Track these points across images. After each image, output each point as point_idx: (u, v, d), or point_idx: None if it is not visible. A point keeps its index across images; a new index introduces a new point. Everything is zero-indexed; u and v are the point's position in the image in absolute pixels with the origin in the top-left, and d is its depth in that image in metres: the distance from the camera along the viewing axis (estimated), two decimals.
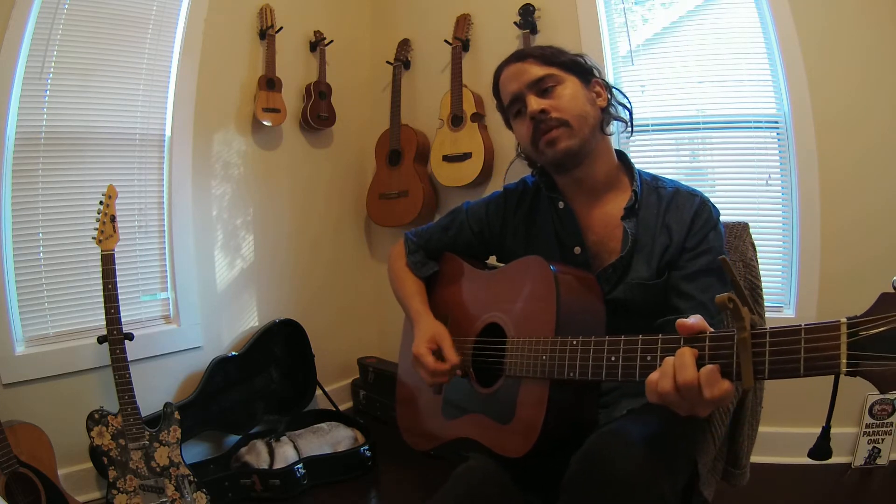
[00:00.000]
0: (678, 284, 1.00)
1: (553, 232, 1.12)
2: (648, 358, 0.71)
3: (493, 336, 1.05)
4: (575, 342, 0.83)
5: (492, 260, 1.28)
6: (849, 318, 0.55)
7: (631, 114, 1.12)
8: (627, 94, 1.14)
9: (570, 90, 1.04)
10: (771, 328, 0.60)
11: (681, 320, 0.68)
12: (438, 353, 1.09)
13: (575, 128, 1.02)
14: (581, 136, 1.02)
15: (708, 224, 1.02)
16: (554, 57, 1.05)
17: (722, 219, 1.07)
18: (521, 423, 0.92)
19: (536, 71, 1.04)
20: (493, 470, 0.97)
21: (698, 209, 1.03)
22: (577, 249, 1.08)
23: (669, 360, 0.68)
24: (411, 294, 1.25)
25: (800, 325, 0.57)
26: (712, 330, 0.67)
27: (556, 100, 1.03)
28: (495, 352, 1.01)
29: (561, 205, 1.10)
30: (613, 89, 1.11)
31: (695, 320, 0.68)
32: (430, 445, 1.17)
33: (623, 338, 0.76)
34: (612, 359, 0.76)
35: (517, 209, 1.19)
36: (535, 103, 1.02)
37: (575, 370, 0.83)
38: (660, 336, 0.71)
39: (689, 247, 1.01)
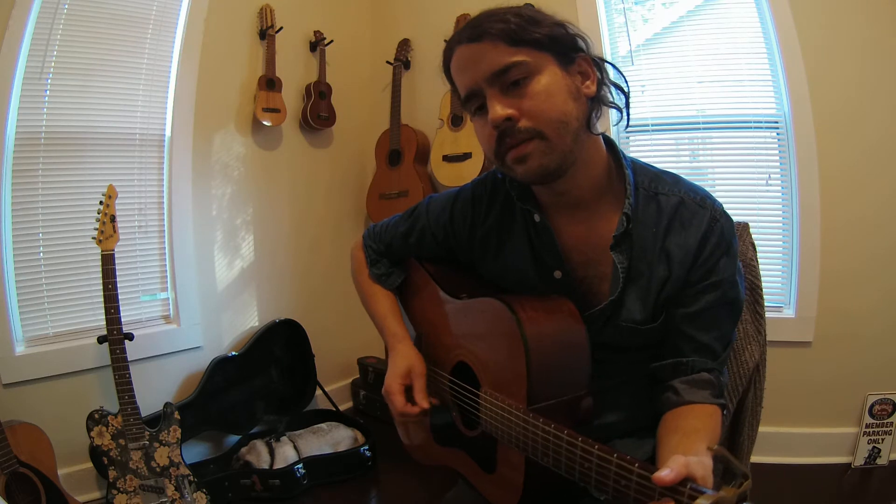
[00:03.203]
0: (679, 324, 0.85)
1: (529, 247, 0.92)
2: (622, 483, 0.62)
3: (467, 374, 0.94)
4: (547, 428, 0.72)
5: None
6: None
7: (627, 98, 0.86)
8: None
9: (545, 84, 0.77)
10: None
11: (657, 476, 0.56)
12: (411, 389, 0.98)
13: (552, 139, 0.77)
14: (560, 150, 0.78)
15: (719, 249, 0.83)
16: (524, 32, 0.76)
17: None
18: (503, 481, 0.86)
19: (499, 58, 0.76)
20: (481, 500, 0.93)
21: (707, 230, 0.83)
22: (558, 273, 0.89)
23: None
24: (384, 313, 1.10)
25: None
26: (693, 486, 0.56)
27: (528, 99, 0.77)
28: (470, 400, 0.91)
29: (537, 218, 0.89)
30: (606, 65, 0.84)
31: (673, 476, 0.56)
32: (424, 462, 1.14)
33: (597, 449, 0.65)
34: (586, 465, 0.67)
35: (487, 215, 0.97)
36: (499, 108, 0.77)
37: (549, 459, 0.72)
38: (636, 466, 0.61)
39: (693, 280, 0.83)
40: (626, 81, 0.86)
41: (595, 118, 0.83)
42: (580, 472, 0.68)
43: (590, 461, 0.66)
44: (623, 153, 0.89)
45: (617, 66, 0.89)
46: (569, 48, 0.80)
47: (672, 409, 0.85)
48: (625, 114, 0.86)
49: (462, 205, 1.01)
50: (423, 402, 0.96)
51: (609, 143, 0.89)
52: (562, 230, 0.89)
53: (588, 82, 0.82)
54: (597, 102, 0.83)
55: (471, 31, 0.80)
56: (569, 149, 0.79)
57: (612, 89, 0.85)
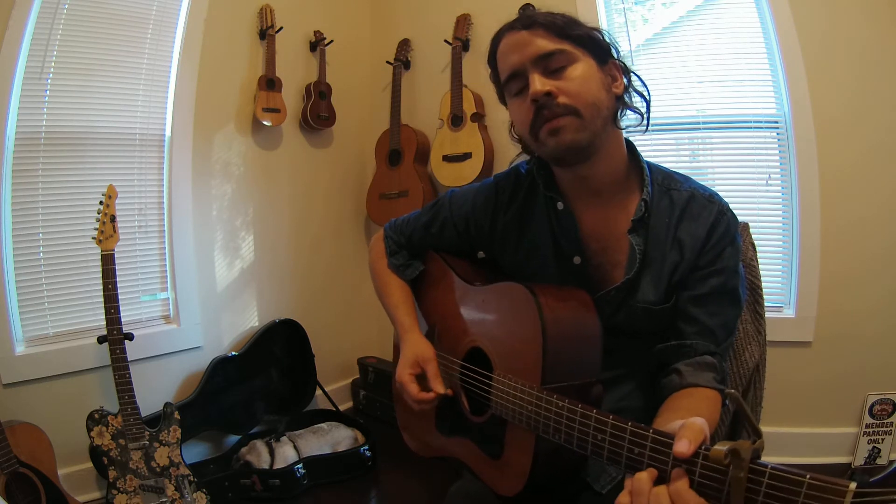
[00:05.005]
0: (685, 307, 0.90)
1: (550, 236, 0.98)
2: (636, 451, 0.64)
3: (479, 360, 0.97)
4: (561, 403, 0.74)
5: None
6: (859, 485, 0.49)
7: (648, 105, 0.95)
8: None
9: (582, 71, 0.87)
10: (772, 468, 0.53)
11: (677, 449, 0.58)
12: (423, 377, 1.00)
13: (585, 118, 0.85)
14: (592, 129, 0.86)
15: (724, 239, 0.90)
16: (568, 28, 0.87)
17: None
18: (509, 465, 0.88)
19: (545, 44, 0.86)
20: (488, 492, 0.94)
21: (715, 221, 0.90)
22: (577, 259, 0.95)
23: (643, 485, 0.60)
24: (396, 304, 1.13)
25: (805, 476, 0.51)
26: (707, 447, 0.58)
27: (566, 82, 0.86)
28: (482, 384, 0.93)
29: (560, 205, 0.96)
30: (633, 74, 0.94)
31: (687, 448, 0.57)
32: (425, 454, 1.15)
33: (611, 419, 0.67)
34: (599, 437, 0.69)
35: (509, 205, 1.03)
36: (539, 83, 0.85)
37: (560, 435, 0.75)
38: (651, 432, 0.63)
39: (700, 265, 0.90)
40: (649, 91, 0.95)
41: (619, 116, 0.92)
42: (593, 445, 0.70)
43: (603, 431, 0.68)
44: (640, 154, 0.97)
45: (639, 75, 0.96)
46: (603, 51, 0.90)
47: (674, 392, 0.87)
48: (645, 118, 0.95)
49: (485, 196, 1.06)
50: (438, 387, 0.98)
51: (628, 143, 0.97)
52: (581, 217, 0.96)
53: (617, 83, 0.92)
54: (622, 102, 0.92)
55: (523, 20, 0.90)
56: (598, 130, 0.87)
57: (635, 96, 0.94)
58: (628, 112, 0.95)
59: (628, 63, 0.94)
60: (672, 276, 0.91)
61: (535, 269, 0.99)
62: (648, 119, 0.95)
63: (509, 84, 0.91)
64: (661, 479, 0.61)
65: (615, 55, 0.92)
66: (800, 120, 1.98)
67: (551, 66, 0.86)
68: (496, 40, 0.93)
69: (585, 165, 0.91)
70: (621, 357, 0.93)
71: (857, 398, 1.99)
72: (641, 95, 0.94)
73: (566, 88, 0.85)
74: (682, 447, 0.57)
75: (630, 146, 0.97)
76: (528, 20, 0.89)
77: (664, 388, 0.89)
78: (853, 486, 0.48)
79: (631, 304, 0.92)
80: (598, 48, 0.89)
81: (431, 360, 1.01)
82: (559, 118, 0.85)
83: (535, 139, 0.90)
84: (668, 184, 0.94)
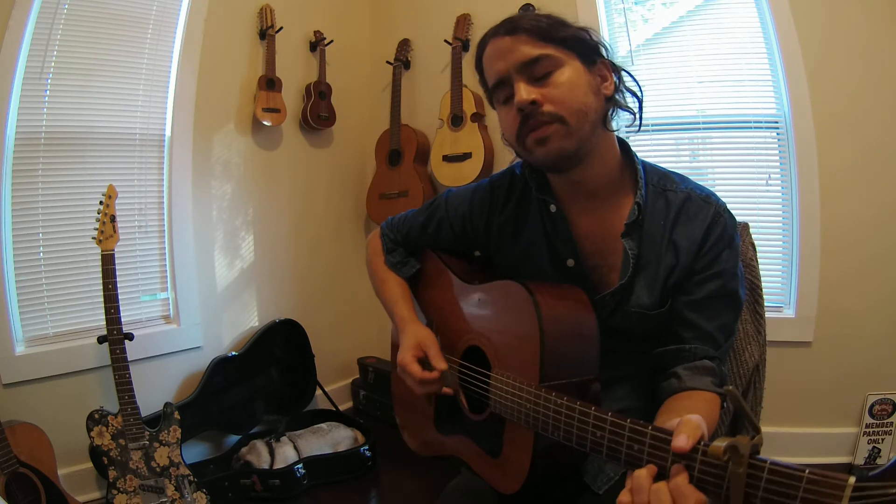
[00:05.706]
0: (683, 311, 0.89)
1: (544, 237, 0.97)
2: (635, 448, 0.64)
3: (477, 359, 0.96)
4: (560, 401, 0.74)
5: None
6: (858, 479, 0.49)
7: (641, 103, 0.93)
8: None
9: (568, 76, 0.85)
10: (772, 463, 0.53)
11: (675, 444, 0.58)
12: (425, 361, 0.98)
13: (572, 125, 0.84)
14: (578, 136, 0.84)
15: (721, 241, 0.88)
16: (553, 31, 0.85)
17: None
18: (508, 463, 0.87)
19: (529, 50, 0.84)
20: (485, 488, 0.94)
21: (711, 223, 0.88)
22: (571, 262, 0.94)
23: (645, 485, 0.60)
24: (395, 299, 1.12)
25: (804, 470, 0.51)
26: (706, 443, 0.58)
27: (552, 88, 0.84)
28: (480, 382, 0.92)
29: (553, 208, 0.95)
30: (623, 72, 0.91)
31: (685, 443, 0.58)
32: (425, 453, 1.14)
33: (610, 416, 0.67)
34: (598, 434, 0.68)
35: (504, 207, 1.03)
36: (524, 92, 0.83)
37: (559, 433, 0.74)
38: (650, 428, 0.63)
39: (698, 269, 0.88)
40: (641, 89, 0.93)
41: (610, 116, 0.90)
42: (592, 442, 0.70)
43: (602, 428, 0.68)
44: (635, 153, 0.95)
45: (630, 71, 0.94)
46: (591, 51, 0.88)
47: (672, 395, 0.86)
48: (638, 117, 0.92)
49: (480, 197, 1.06)
50: (440, 363, 0.96)
51: (622, 143, 0.95)
52: (575, 220, 0.94)
53: (606, 83, 0.89)
54: (613, 102, 0.90)
55: (507, 25, 0.88)
56: (587, 136, 0.86)
57: (626, 95, 0.92)
58: (622, 112, 0.93)
59: (626, 63, 0.93)
60: (667, 279, 0.89)
61: (531, 270, 0.99)
62: (641, 118, 0.93)
63: (496, 92, 0.90)
64: (661, 476, 0.61)
65: (604, 54, 0.89)
66: (800, 120, 1.98)
67: (536, 72, 0.84)
68: (481, 47, 0.92)
69: (577, 170, 0.89)
70: (619, 359, 0.92)
71: (857, 398, 1.99)
72: (633, 94, 0.92)
73: (551, 96, 0.84)
74: (681, 442, 0.58)
75: (624, 146, 0.95)
76: (511, 25, 0.87)
77: (663, 391, 0.88)
78: (852, 479, 0.48)
79: (626, 308, 0.91)
80: (586, 49, 0.87)
81: (433, 343, 0.99)
82: (545, 127, 0.84)
83: (523, 147, 0.89)
84: (664, 184, 0.93)
